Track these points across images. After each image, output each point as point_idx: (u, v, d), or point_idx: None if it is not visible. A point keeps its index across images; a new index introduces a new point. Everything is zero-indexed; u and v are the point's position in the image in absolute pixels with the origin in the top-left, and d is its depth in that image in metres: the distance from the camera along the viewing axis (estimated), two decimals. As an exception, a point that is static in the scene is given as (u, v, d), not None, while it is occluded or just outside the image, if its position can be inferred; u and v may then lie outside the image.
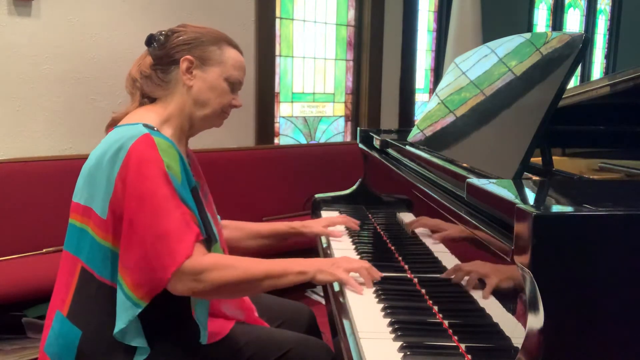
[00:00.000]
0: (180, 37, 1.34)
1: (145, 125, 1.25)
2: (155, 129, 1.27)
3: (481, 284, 1.03)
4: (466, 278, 1.10)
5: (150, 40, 1.36)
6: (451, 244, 1.20)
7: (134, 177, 1.17)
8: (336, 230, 1.74)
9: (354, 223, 1.77)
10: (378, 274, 1.31)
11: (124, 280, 1.19)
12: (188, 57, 1.32)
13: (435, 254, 1.29)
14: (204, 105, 1.34)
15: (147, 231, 1.16)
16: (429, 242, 1.35)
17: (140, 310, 1.18)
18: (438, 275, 1.23)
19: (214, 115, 1.36)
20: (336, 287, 1.28)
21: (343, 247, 1.63)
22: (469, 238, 1.06)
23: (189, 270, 1.16)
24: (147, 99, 1.36)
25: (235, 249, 1.60)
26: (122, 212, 1.18)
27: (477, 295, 1.05)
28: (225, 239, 1.57)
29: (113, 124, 1.34)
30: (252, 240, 1.68)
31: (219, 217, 1.60)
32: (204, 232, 1.23)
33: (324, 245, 1.70)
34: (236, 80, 1.37)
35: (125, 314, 1.18)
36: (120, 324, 1.18)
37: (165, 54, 1.33)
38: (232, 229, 1.65)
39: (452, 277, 1.17)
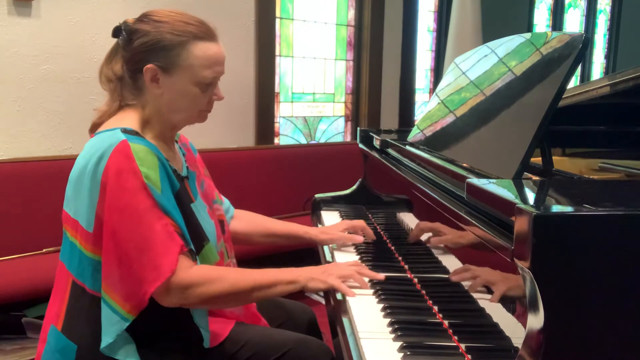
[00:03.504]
0: (141, 39, 1.22)
1: (124, 131, 1.19)
2: (135, 132, 1.21)
3: (486, 288, 1.03)
4: (470, 282, 1.10)
5: (117, 33, 1.25)
6: (451, 245, 1.20)
7: (113, 190, 1.14)
8: (356, 236, 1.63)
9: (371, 233, 1.65)
10: (373, 274, 1.30)
11: (109, 294, 1.16)
12: (150, 66, 1.21)
13: (436, 254, 1.30)
14: (178, 111, 1.26)
15: (129, 245, 1.14)
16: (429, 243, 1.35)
17: (127, 324, 1.16)
18: (438, 276, 1.23)
19: (192, 117, 1.30)
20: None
21: (343, 248, 1.63)
22: (469, 240, 1.06)
23: (175, 285, 1.15)
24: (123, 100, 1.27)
25: (245, 242, 1.60)
26: (104, 224, 1.15)
27: (477, 295, 1.05)
28: (234, 231, 1.56)
29: (94, 128, 1.27)
30: (264, 237, 1.64)
31: (225, 202, 1.56)
32: (189, 243, 1.20)
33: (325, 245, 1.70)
34: (209, 80, 1.25)
35: (112, 328, 1.16)
36: (107, 338, 1.16)
37: (130, 59, 1.24)
38: (245, 221, 1.61)
39: (458, 278, 1.17)
